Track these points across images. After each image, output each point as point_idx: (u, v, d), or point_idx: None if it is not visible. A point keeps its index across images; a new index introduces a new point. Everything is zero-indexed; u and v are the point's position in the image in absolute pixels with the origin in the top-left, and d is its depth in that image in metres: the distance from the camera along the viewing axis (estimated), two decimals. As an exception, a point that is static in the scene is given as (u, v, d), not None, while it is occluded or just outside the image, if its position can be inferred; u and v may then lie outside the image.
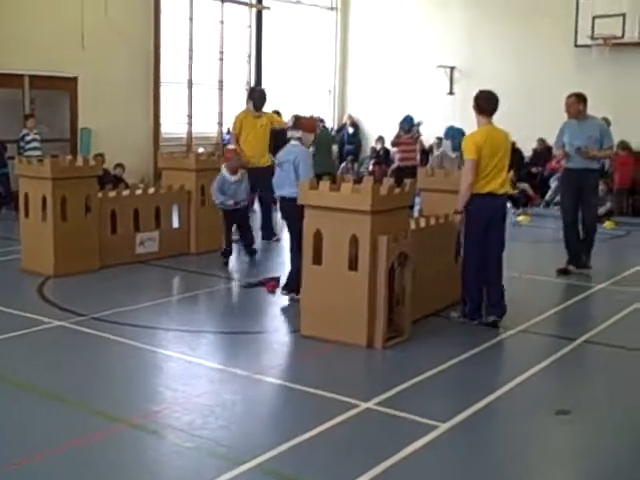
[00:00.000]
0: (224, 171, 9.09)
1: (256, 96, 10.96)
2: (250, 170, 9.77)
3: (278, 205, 7.70)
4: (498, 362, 6.22)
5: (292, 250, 7.40)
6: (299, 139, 7.40)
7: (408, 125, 13.19)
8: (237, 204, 9.10)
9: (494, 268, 6.80)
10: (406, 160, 13.09)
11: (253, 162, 10.30)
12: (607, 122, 10.29)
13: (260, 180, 10.00)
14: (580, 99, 8.69)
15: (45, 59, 13.37)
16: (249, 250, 9.58)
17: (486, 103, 6.74)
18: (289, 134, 7.55)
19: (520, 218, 13.38)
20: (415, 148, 13.44)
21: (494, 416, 4.99)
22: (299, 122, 7.59)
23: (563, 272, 8.97)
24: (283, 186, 7.32)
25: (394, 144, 13.70)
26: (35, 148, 12.68)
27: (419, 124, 13.52)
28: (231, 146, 10.84)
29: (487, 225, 6.67)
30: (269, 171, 8.70)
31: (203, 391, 5.30)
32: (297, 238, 6.89)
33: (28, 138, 12.83)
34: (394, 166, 14.46)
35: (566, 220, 9.03)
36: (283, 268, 8.24)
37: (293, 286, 7.20)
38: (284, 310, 7.27)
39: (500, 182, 6.69)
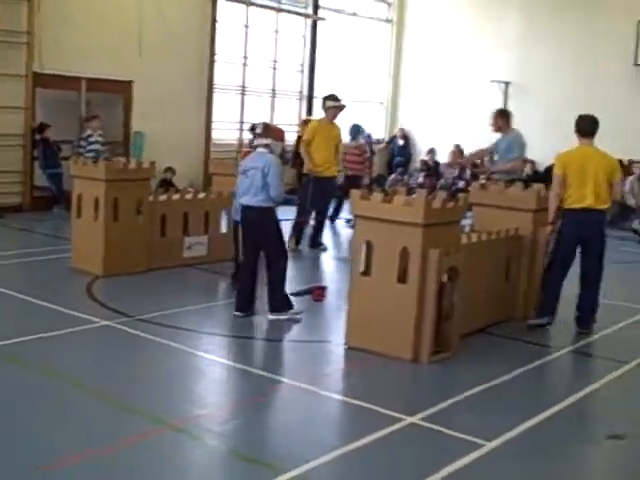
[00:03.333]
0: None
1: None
2: (318, 179, 10.20)
3: (240, 215, 7.21)
4: (547, 382, 6.07)
5: (247, 265, 7.10)
6: (267, 146, 7.07)
7: (353, 134, 13.34)
8: None
9: (589, 285, 7.03)
10: (350, 170, 13.01)
11: (320, 171, 10.35)
12: None
13: (327, 190, 10.51)
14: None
15: (102, 63, 13.56)
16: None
17: (584, 125, 7.19)
18: (257, 142, 7.20)
19: None
20: (361, 159, 13.41)
21: (542, 437, 4.84)
22: (268, 130, 7.25)
23: None
24: (247, 194, 7.01)
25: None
26: (96, 151, 12.71)
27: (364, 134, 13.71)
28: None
29: (579, 241, 6.94)
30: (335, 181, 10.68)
31: (245, 397, 5.27)
32: (266, 247, 6.95)
33: (91, 139, 12.91)
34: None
35: None
36: (331, 277, 8.17)
37: (278, 304, 7.00)
38: (330, 320, 7.21)
39: (593, 199, 6.88)
